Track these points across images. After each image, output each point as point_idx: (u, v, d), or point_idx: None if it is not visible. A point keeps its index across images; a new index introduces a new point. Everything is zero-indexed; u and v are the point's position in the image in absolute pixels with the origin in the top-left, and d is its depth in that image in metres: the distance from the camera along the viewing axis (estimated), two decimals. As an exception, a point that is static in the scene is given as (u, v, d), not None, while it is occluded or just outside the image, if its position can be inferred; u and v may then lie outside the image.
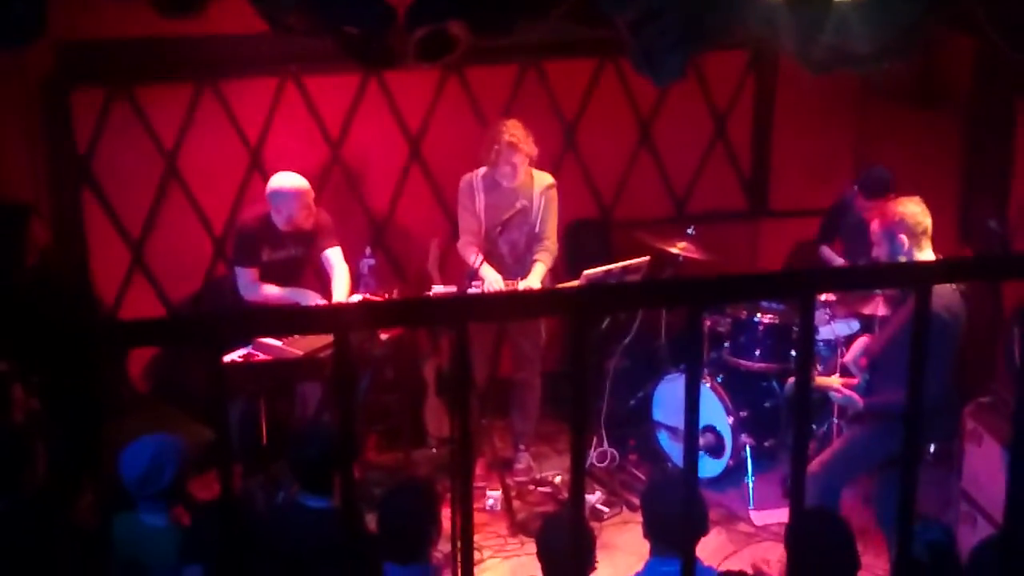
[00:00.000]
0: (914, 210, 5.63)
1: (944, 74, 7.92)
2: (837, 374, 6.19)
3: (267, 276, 6.94)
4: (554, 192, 7.15)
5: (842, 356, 7.05)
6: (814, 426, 7.00)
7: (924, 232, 5.62)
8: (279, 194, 6.81)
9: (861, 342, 6.29)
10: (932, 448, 7.01)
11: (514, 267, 7.11)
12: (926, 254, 5.65)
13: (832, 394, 5.99)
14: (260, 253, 6.90)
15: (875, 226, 5.73)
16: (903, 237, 5.59)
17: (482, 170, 7.07)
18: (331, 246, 7.04)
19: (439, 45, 4.88)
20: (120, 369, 7.47)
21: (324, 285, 7.12)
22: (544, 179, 7.14)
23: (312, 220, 6.92)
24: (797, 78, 7.00)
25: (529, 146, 6.93)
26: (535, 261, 7.11)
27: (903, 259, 5.58)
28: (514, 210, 6.95)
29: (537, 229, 7.12)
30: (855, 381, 6.00)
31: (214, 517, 4.38)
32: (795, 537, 2.73)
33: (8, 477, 4.77)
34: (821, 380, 6.12)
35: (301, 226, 6.89)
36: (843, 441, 6.08)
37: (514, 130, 6.90)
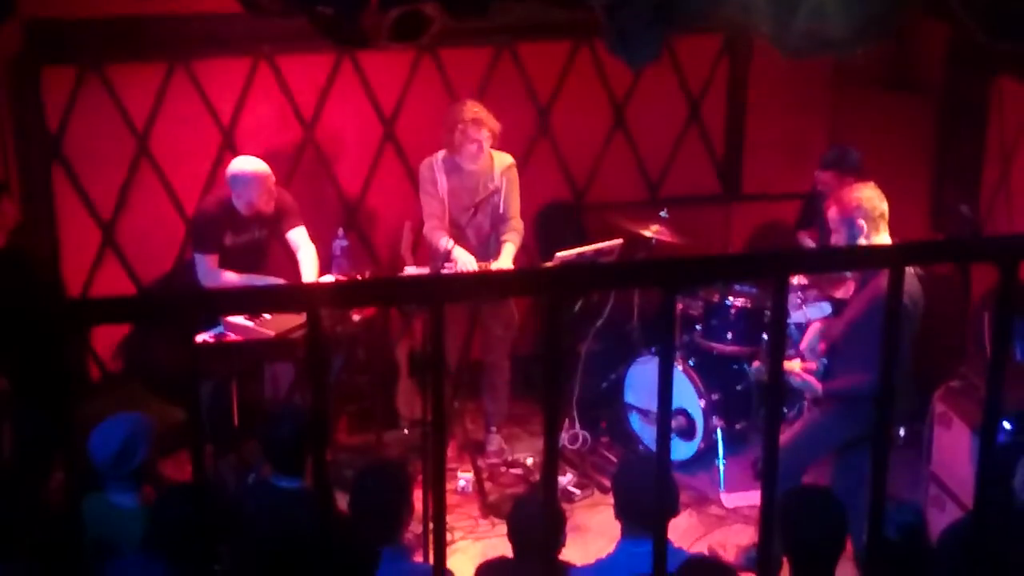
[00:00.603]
0: (870, 195, 5.68)
1: (918, 59, 7.96)
2: (799, 358, 6.22)
3: (231, 260, 6.87)
4: (515, 172, 7.14)
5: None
6: (785, 409, 7.03)
7: (881, 216, 5.67)
8: (238, 179, 6.75)
9: (816, 327, 6.32)
10: (902, 431, 7.07)
11: (479, 250, 7.07)
12: (883, 237, 5.69)
13: (791, 378, 6.01)
14: (222, 238, 6.83)
15: (833, 213, 5.76)
16: (861, 222, 5.64)
17: (441, 153, 7.04)
18: (295, 226, 7.00)
19: (413, 25, 4.86)
20: (83, 349, 7.44)
21: (293, 266, 7.08)
22: (504, 159, 7.12)
23: (273, 203, 6.87)
24: (771, 62, 7.02)
25: (492, 122, 6.91)
26: (504, 242, 7.10)
27: (863, 243, 5.62)
28: (486, 192, 6.94)
29: (501, 210, 7.10)
30: (814, 366, 6.04)
31: (175, 502, 4.35)
32: (768, 518, 2.73)
33: None
34: None
35: (262, 210, 6.83)
36: (803, 425, 6.11)
37: (475, 107, 6.90)
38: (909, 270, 5.50)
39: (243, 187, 6.74)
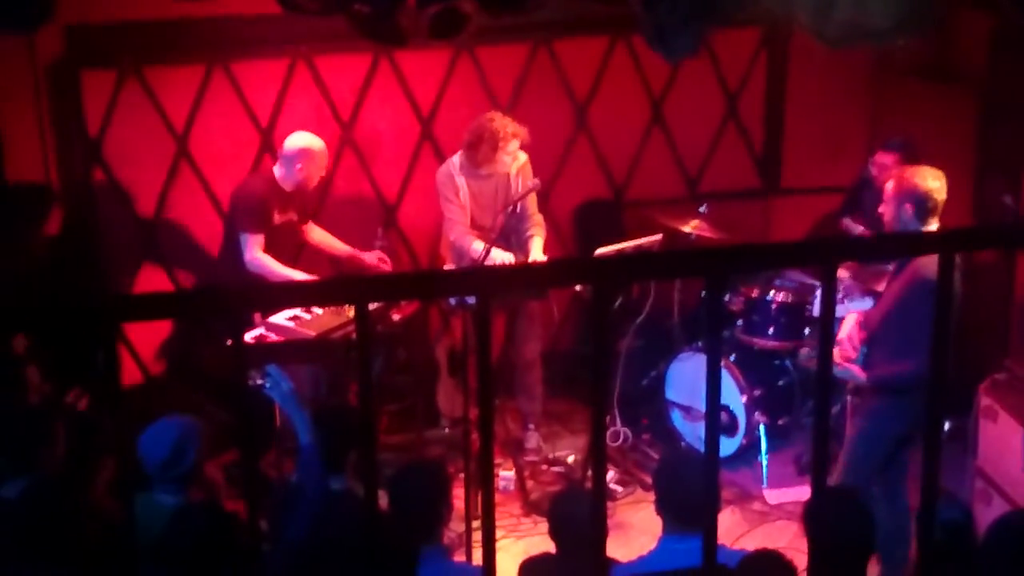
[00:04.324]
0: (933, 185, 5.51)
1: (960, 50, 7.88)
2: (836, 347, 6.14)
3: (272, 241, 6.89)
4: (529, 168, 7.09)
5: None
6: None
7: (934, 208, 5.50)
8: (307, 153, 6.83)
9: (853, 317, 6.24)
10: (947, 425, 6.99)
11: (503, 248, 7.02)
12: (930, 228, 5.55)
13: (834, 367, 5.86)
14: (271, 217, 6.88)
15: (889, 187, 5.63)
16: (908, 207, 5.51)
17: (457, 158, 7.02)
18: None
19: (450, 23, 4.86)
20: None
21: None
22: (518, 158, 7.08)
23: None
24: (810, 54, 6.96)
25: (523, 132, 6.89)
26: (531, 237, 7.06)
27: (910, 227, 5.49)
28: (525, 189, 6.92)
29: (519, 208, 7.06)
30: (853, 355, 5.94)
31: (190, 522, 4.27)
32: (815, 516, 2.71)
33: (27, 456, 4.75)
34: None
35: (312, 185, 6.98)
36: (853, 438, 5.90)
37: (505, 120, 6.87)
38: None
39: (309, 161, 6.84)
